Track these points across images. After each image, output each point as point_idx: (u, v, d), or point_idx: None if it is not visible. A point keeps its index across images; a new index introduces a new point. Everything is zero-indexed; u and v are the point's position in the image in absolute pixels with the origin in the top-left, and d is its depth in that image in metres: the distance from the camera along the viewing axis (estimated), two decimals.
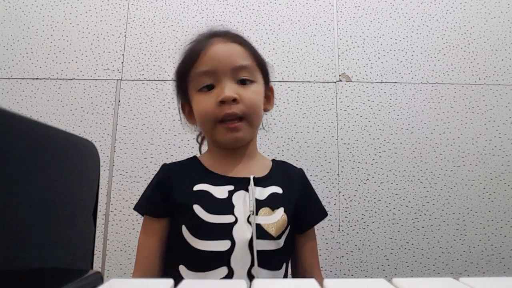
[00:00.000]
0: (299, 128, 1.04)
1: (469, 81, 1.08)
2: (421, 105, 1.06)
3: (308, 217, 0.66)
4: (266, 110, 0.68)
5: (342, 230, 0.99)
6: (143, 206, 0.64)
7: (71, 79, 1.06)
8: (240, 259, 0.55)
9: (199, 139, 0.75)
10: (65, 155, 0.26)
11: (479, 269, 0.98)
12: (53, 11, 1.10)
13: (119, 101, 1.05)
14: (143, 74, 1.07)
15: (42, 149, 0.23)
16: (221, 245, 0.55)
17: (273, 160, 0.70)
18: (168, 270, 0.60)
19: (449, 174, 1.02)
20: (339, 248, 0.97)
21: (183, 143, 1.03)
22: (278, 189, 0.62)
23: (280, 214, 0.59)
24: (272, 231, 0.58)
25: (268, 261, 0.57)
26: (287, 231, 0.61)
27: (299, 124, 1.04)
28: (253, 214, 0.57)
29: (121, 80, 1.06)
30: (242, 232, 0.56)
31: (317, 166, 1.02)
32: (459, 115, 1.06)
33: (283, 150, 1.02)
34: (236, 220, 0.57)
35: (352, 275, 0.96)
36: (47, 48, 1.08)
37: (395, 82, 1.07)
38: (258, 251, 0.55)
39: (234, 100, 0.59)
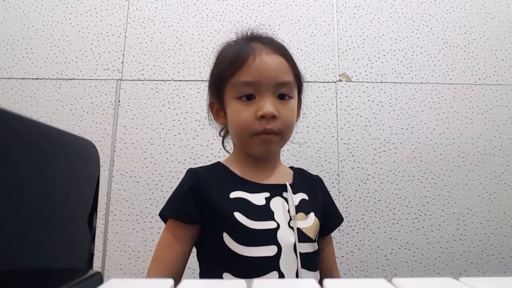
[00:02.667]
0: (299, 128, 1.04)
1: (469, 81, 1.08)
2: (421, 105, 1.06)
3: (328, 223, 0.68)
4: None
5: (342, 230, 0.98)
6: (174, 211, 0.61)
7: (71, 79, 1.06)
8: (288, 263, 0.56)
9: (222, 133, 0.75)
10: (65, 155, 0.26)
11: (479, 269, 0.98)
12: (53, 11, 1.10)
13: (119, 101, 1.05)
14: (143, 74, 1.07)
15: (42, 149, 0.23)
16: (269, 250, 0.56)
17: (292, 168, 0.71)
18: (209, 278, 0.59)
19: (449, 174, 1.02)
20: (339, 248, 0.97)
21: (183, 143, 1.03)
22: (305, 196, 0.64)
23: (313, 218, 0.62)
24: (311, 234, 0.60)
25: (310, 263, 0.59)
26: (318, 234, 0.63)
27: (299, 124, 1.04)
28: (294, 219, 0.59)
29: (121, 80, 1.06)
30: (286, 237, 0.57)
31: (317, 166, 1.02)
32: (459, 115, 1.06)
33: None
34: (278, 225, 0.58)
35: (352, 275, 0.96)
36: (47, 48, 1.08)
37: (395, 82, 1.07)
38: (302, 254, 0.57)
39: (273, 117, 0.59)
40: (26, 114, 0.26)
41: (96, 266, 0.96)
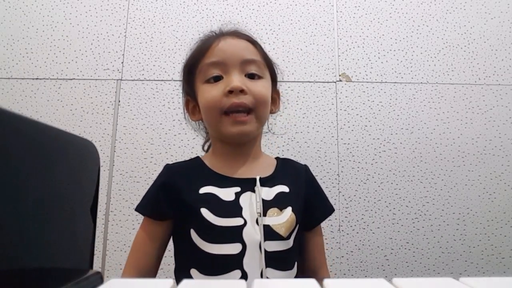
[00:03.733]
0: (299, 128, 1.04)
1: (469, 81, 1.08)
2: (421, 105, 1.06)
3: (315, 214, 0.66)
4: (272, 112, 0.68)
5: (342, 230, 0.99)
6: (146, 208, 0.63)
7: (71, 79, 1.06)
8: (252, 262, 0.54)
9: (205, 147, 0.74)
10: (65, 155, 0.26)
11: (479, 269, 0.98)
12: (53, 11, 1.10)
13: (119, 101, 1.05)
14: (143, 74, 1.07)
15: (42, 149, 0.23)
16: (233, 248, 0.55)
17: (277, 158, 0.69)
18: (180, 273, 0.59)
19: (449, 174, 1.02)
20: (339, 248, 0.97)
21: (183, 143, 1.03)
22: (284, 188, 0.61)
23: (288, 213, 0.59)
24: (282, 231, 0.57)
25: (280, 262, 0.56)
26: (295, 231, 0.60)
27: (299, 124, 1.04)
28: (260, 216, 0.56)
29: (121, 80, 1.06)
30: (252, 235, 0.55)
31: (317, 166, 1.02)
32: (459, 115, 1.06)
33: (283, 150, 1.02)
34: (245, 222, 0.56)
35: (352, 275, 0.96)
36: (47, 48, 1.08)
37: (395, 82, 1.07)
38: (269, 252, 0.55)
39: (242, 91, 0.58)
40: (26, 114, 0.26)
41: (96, 266, 0.96)
